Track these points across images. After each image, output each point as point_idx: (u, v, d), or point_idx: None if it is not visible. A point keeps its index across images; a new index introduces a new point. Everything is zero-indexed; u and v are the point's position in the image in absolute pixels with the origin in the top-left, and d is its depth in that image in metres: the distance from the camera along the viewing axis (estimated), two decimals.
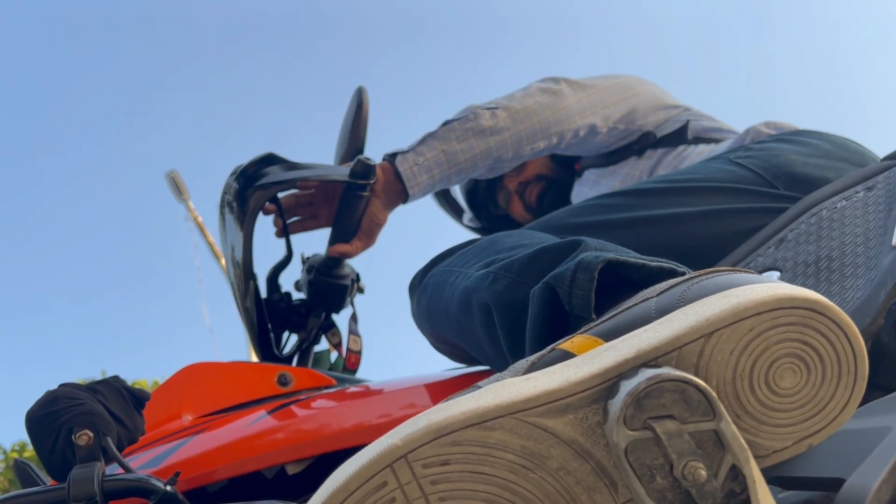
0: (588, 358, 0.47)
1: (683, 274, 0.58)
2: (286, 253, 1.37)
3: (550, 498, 0.44)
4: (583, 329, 0.54)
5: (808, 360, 0.45)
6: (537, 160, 1.60)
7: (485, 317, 0.82)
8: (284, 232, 1.33)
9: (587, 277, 0.63)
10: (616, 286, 0.62)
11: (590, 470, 0.44)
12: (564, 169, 1.60)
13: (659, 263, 0.62)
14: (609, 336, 0.50)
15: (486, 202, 1.68)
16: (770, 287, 0.45)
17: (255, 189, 1.24)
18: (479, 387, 0.48)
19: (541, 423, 0.43)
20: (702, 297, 0.48)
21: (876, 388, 0.69)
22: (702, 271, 0.53)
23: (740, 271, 0.51)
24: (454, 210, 1.77)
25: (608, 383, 0.44)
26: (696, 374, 0.45)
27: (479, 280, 0.84)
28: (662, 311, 0.49)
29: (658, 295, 0.52)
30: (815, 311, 0.44)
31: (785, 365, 0.45)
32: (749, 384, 0.45)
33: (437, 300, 0.93)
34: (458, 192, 1.75)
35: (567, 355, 0.50)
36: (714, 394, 0.42)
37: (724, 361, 0.45)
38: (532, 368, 0.50)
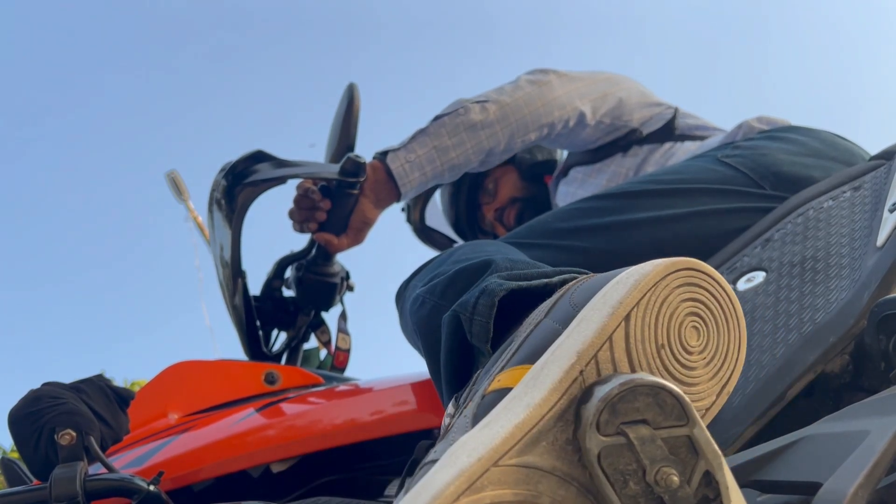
0: (532, 381, 0.46)
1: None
2: (306, 247, 1.38)
3: None
4: (497, 368, 0.54)
5: (703, 314, 0.49)
6: (506, 184, 1.63)
7: (419, 340, 0.82)
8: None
9: (488, 303, 0.63)
10: (523, 304, 0.62)
11: (576, 492, 0.43)
12: (535, 185, 1.61)
13: (561, 276, 0.62)
14: (533, 360, 0.50)
15: (471, 229, 1.70)
16: (651, 262, 0.49)
17: (243, 186, 1.23)
18: (435, 461, 0.46)
19: (522, 461, 0.42)
20: (591, 296, 0.50)
21: (859, 390, 0.68)
22: (570, 282, 0.57)
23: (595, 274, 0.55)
24: (438, 245, 1.78)
25: (565, 396, 0.44)
26: (629, 358, 0.47)
27: (413, 302, 0.84)
28: (565, 322, 0.51)
29: (547, 314, 0.54)
30: (693, 269, 0.49)
31: (689, 324, 0.49)
32: (671, 352, 0.48)
33: (406, 315, 0.93)
34: (445, 226, 1.76)
35: (505, 392, 0.49)
36: (687, 399, 0.42)
37: (646, 337, 0.47)
38: (477, 419, 0.49)
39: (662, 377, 0.47)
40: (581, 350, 0.45)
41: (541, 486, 0.42)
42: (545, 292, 0.61)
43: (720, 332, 0.49)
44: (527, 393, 0.45)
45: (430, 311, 0.79)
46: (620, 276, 0.49)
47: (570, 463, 0.43)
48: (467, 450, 0.42)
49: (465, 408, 0.53)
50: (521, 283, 0.64)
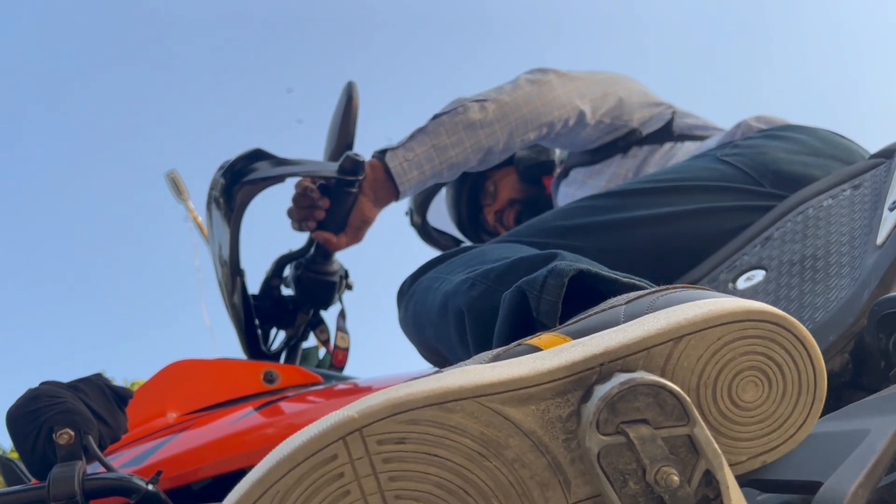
0: (556, 351, 0.46)
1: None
2: (304, 245, 1.38)
3: (502, 489, 0.43)
4: (551, 330, 0.54)
5: (771, 375, 0.45)
6: (505, 186, 1.64)
7: (458, 322, 0.82)
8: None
9: (557, 283, 0.63)
10: (585, 299, 0.61)
11: (545, 465, 0.43)
12: (533, 186, 1.62)
13: (630, 280, 0.62)
14: (577, 336, 0.49)
15: (475, 231, 1.71)
16: (740, 300, 0.45)
17: (242, 185, 1.23)
18: (443, 372, 0.47)
19: (502, 410, 0.43)
20: (671, 305, 0.48)
21: (859, 389, 0.68)
22: (671, 285, 0.54)
23: (706, 288, 0.52)
24: (442, 246, 1.79)
25: (574, 377, 0.44)
26: (661, 376, 0.44)
27: (459, 285, 0.84)
28: (632, 317, 0.49)
29: (627, 303, 0.52)
30: (782, 326, 0.45)
31: (748, 378, 0.45)
32: (712, 393, 0.45)
33: (422, 304, 0.94)
34: (450, 226, 1.77)
35: (533, 349, 0.49)
36: (688, 399, 0.42)
37: (690, 367, 0.45)
38: (497, 358, 0.49)
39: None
40: (610, 347, 0.44)
41: (512, 440, 0.43)
42: (613, 289, 0.61)
43: (785, 401, 0.45)
44: (544, 358, 0.45)
45: (481, 293, 0.79)
46: (705, 301, 0.46)
47: (551, 437, 0.43)
48: (460, 375, 0.43)
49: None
50: (590, 267, 0.64)
